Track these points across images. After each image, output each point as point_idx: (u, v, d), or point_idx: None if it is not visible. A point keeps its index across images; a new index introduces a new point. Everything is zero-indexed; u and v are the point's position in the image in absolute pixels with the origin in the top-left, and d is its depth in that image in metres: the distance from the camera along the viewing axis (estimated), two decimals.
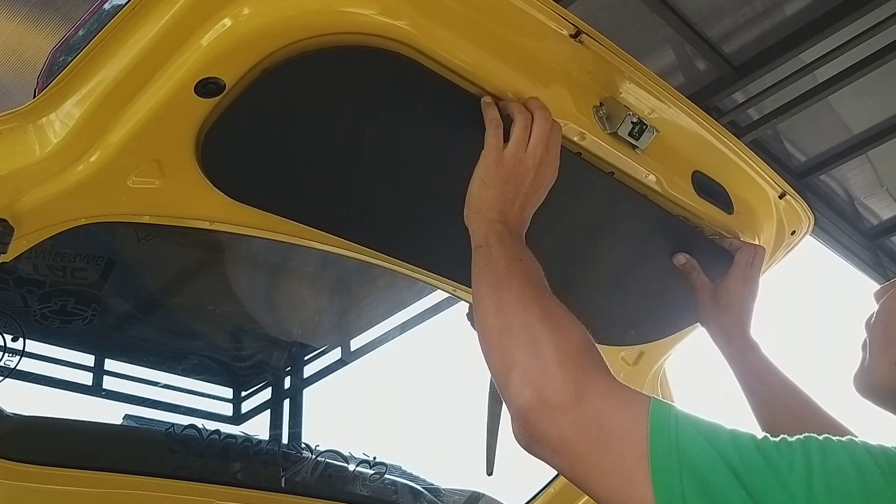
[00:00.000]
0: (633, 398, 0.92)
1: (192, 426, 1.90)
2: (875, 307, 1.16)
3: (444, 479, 2.37)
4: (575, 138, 1.35)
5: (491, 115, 1.24)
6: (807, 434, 0.85)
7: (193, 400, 2.15)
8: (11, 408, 1.70)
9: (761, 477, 0.80)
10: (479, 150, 1.33)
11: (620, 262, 1.69)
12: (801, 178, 4.38)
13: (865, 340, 1.14)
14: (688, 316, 1.79)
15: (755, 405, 1.53)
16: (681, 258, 1.63)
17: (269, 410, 2.31)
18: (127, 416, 2.00)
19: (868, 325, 1.16)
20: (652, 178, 1.48)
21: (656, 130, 1.39)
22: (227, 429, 2.00)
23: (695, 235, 1.64)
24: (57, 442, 1.75)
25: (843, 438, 0.84)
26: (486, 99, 1.26)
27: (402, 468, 2.26)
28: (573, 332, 1.03)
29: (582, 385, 0.94)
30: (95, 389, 2.00)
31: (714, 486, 0.80)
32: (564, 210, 1.51)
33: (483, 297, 1.11)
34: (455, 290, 1.79)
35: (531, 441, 0.95)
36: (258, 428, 2.20)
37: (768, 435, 0.86)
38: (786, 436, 0.85)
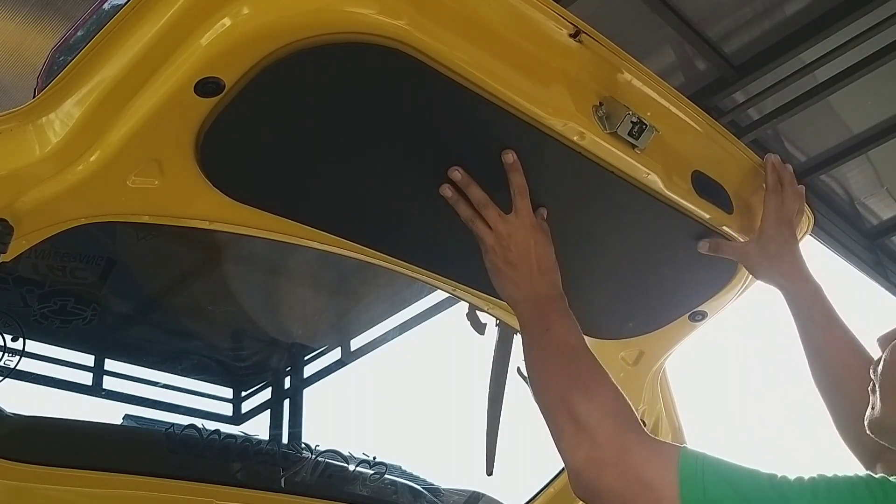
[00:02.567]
0: (665, 451, 1.08)
1: (192, 426, 1.90)
2: (880, 352, 1.18)
3: (444, 479, 2.37)
4: (574, 138, 1.35)
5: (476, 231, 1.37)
6: (820, 474, 0.99)
7: (193, 400, 2.15)
8: (11, 408, 1.70)
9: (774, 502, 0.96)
10: (479, 149, 1.34)
11: (619, 256, 1.69)
12: (801, 178, 4.35)
13: (874, 384, 1.16)
14: (683, 305, 1.83)
15: (810, 355, 1.54)
16: (703, 245, 1.62)
17: (269, 410, 2.31)
18: (127, 416, 2.00)
19: (875, 370, 1.18)
20: (651, 177, 1.48)
21: (656, 130, 1.39)
22: (227, 429, 2.00)
23: (693, 225, 1.63)
24: (57, 442, 1.75)
25: (851, 475, 0.98)
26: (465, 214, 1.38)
27: (402, 468, 2.26)
28: (606, 393, 1.17)
29: (623, 443, 1.09)
30: (95, 389, 2.00)
31: None
32: (564, 208, 1.51)
33: (529, 378, 1.29)
34: (455, 290, 1.79)
35: (586, 494, 1.10)
36: (258, 428, 2.20)
37: (786, 475, 1.00)
38: (801, 476, 0.99)
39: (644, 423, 2.06)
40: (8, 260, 1.27)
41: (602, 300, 1.82)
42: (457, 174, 1.34)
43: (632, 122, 1.36)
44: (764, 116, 3.97)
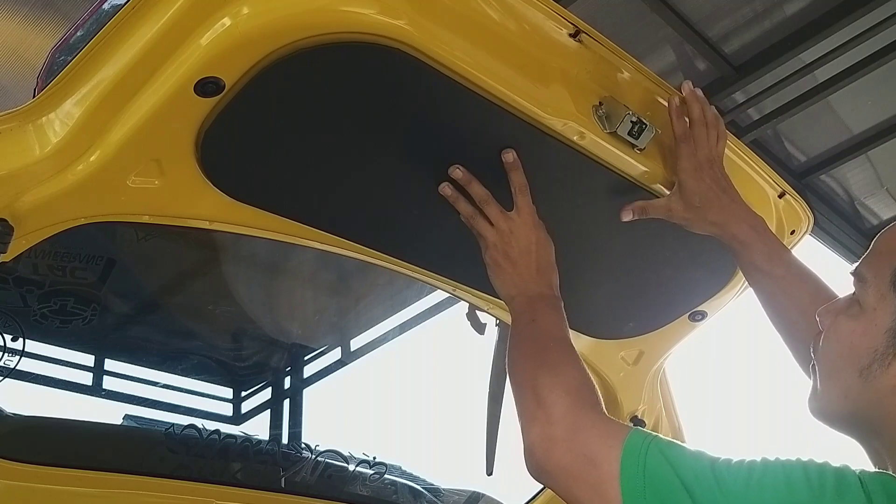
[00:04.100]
0: (614, 429, 1.06)
1: (191, 426, 1.90)
2: (820, 324, 1.11)
3: (444, 479, 2.37)
4: (574, 137, 1.35)
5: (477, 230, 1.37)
6: (764, 457, 0.96)
7: (193, 400, 2.15)
8: (11, 408, 1.70)
9: (710, 493, 0.93)
10: (479, 149, 1.34)
11: (619, 256, 1.69)
12: (801, 178, 4.37)
13: (814, 365, 1.11)
14: (683, 305, 1.82)
15: (760, 300, 1.46)
16: (627, 213, 1.46)
17: (269, 410, 2.31)
18: (127, 416, 2.00)
19: (814, 349, 1.12)
20: (651, 177, 1.48)
21: (656, 129, 1.39)
22: (226, 429, 2.00)
23: None
24: (57, 442, 1.75)
25: (792, 459, 0.95)
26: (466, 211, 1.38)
27: (402, 468, 2.26)
28: (569, 374, 1.17)
29: (576, 420, 1.08)
30: (95, 389, 2.00)
31: (670, 502, 0.95)
32: (564, 208, 1.52)
33: (507, 364, 1.27)
34: (455, 290, 1.79)
35: (538, 471, 1.10)
36: (258, 428, 2.20)
37: (729, 458, 0.97)
38: (743, 458, 0.97)
39: (644, 422, 2.06)
40: (8, 260, 1.27)
41: (602, 300, 1.82)
42: (458, 172, 1.34)
43: (632, 121, 1.36)
44: (764, 116, 3.97)
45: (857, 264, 1.08)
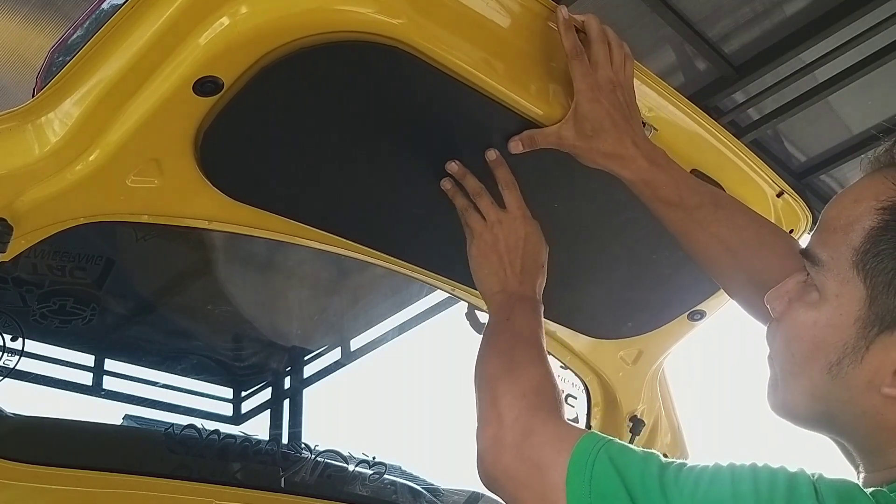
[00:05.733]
0: (566, 434, 0.99)
1: (191, 426, 1.90)
2: (772, 311, 0.99)
3: (444, 479, 2.37)
4: None
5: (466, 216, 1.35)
6: (717, 462, 0.89)
7: (193, 400, 2.15)
8: (11, 408, 1.70)
9: (655, 501, 0.86)
10: (478, 148, 1.34)
11: (618, 256, 1.69)
12: (801, 178, 4.37)
13: (770, 357, 1.00)
14: (682, 304, 1.82)
15: (682, 242, 1.31)
16: (515, 145, 1.32)
17: (268, 410, 2.31)
18: (127, 416, 2.00)
19: (771, 338, 1.00)
20: None
21: (655, 129, 1.39)
22: (226, 429, 2.00)
23: None
24: (57, 442, 1.75)
25: (745, 465, 0.87)
26: (446, 185, 1.36)
27: (402, 468, 2.26)
28: (529, 375, 1.11)
29: (528, 424, 1.02)
30: (95, 389, 2.00)
31: None
32: (564, 207, 1.52)
33: (476, 361, 1.21)
34: (454, 290, 1.79)
35: (487, 478, 1.04)
36: (258, 428, 2.20)
37: (686, 464, 0.90)
38: (695, 465, 0.89)
39: (643, 422, 2.06)
40: (7, 260, 1.27)
41: (601, 300, 1.82)
42: (454, 166, 1.34)
43: None
44: (764, 116, 3.97)
45: (807, 244, 0.96)
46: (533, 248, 1.32)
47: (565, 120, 1.28)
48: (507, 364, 1.14)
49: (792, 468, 0.85)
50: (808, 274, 0.94)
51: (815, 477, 0.84)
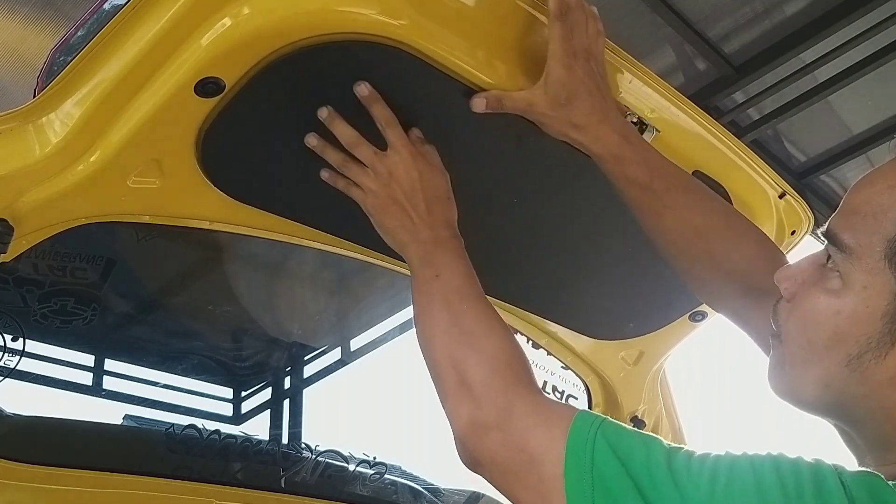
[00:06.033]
0: (555, 414, 0.94)
1: (191, 426, 1.90)
2: (783, 291, 0.94)
3: (444, 479, 2.37)
4: None
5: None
6: (729, 451, 0.84)
7: (193, 400, 2.15)
8: (11, 408, 1.70)
9: (668, 496, 0.80)
10: (478, 146, 1.34)
11: (620, 256, 1.69)
12: (801, 178, 4.37)
13: (777, 336, 0.95)
14: (683, 305, 1.81)
15: (644, 225, 1.27)
16: (479, 104, 1.21)
17: (269, 410, 2.31)
18: (127, 416, 2.00)
19: (781, 318, 0.95)
20: None
21: (656, 130, 1.39)
22: (227, 429, 2.00)
23: None
24: (57, 442, 1.75)
25: (762, 455, 0.82)
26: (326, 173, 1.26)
27: (402, 468, 2.26)
28: (494, 344, 1.04)
29: (508, 403, 0.96)
30: (95, 389, 2.00)
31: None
32: (565, 208, 1.52)
33: (416, 330, 1.13)
34: None
35: (471, 463, 0.99)
36: (258, 428, 2.20)
37: (692, 451, 0.85)
38: (704, 453, 0.85)
39: (644, 423, 2.06)
40: (8, 260, 1.27)
41: (603, 300, 1.82)
42: (323, 111, 1.19)
43: (632, 122, 1.36)
44: (764, 116, 3.97)
45: (830, 225, 0.89)
46: (432, 183, 1.20)
47: (537, 86, 1.19)
48: (463, 333, 1.06)
49: (808, 459, 0.81)
50: (828, 256, 0.89)
51: (835, 468, 0.80)
